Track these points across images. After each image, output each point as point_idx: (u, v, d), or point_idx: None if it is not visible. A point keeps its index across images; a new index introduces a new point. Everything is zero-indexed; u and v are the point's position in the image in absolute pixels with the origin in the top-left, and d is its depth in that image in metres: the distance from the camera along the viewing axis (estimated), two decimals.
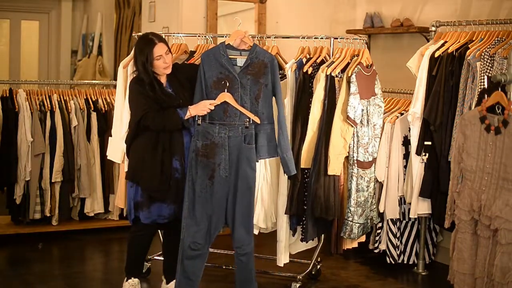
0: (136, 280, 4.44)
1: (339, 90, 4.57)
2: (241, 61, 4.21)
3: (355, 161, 4.60)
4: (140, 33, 5.24)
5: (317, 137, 4.55)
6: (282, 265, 4.71)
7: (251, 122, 4.14)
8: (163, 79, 4.27)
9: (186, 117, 4.13)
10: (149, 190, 4.20)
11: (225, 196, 4.15)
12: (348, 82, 4.53)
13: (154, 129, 4.15)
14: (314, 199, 4.51)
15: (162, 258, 4.60)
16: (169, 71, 4.25)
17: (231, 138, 4.12)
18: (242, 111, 4.15)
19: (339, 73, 4.60)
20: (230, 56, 4.22)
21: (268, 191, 4.69)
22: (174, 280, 4.40)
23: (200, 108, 4.14)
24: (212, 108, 4.13)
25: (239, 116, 4.15)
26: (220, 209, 4.16)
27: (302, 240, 4.67)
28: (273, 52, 4.79)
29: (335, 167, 4.50)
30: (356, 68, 4.53)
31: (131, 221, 4.32)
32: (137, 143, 4.24)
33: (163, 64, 4.19)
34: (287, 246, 4.72)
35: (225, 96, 4.15)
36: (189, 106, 4.15)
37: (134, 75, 4.32)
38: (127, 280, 4.43)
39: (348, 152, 4.58)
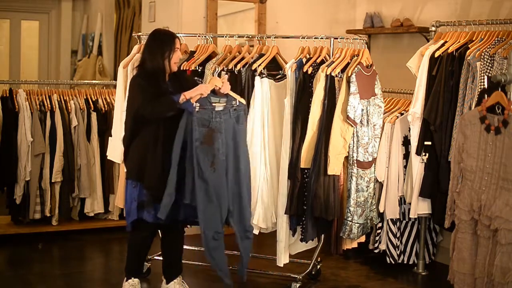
0: (136, 280, 4.44)
1: (339, 90, 4.57)
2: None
3: (355, 161, 4.60)
4: (140, 33, 5.25)
5: (317, 137, 4.55)
6: (282, 265, 4.71)
7: (238, 103, 4.23)
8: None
9: (180, 100, 4.09)
10: (151, 189, 4.18)
11: (225, 179, 4.18)
12: (348, 82, 4.53)
13: (150, 117, 4.09)
14: (314, 199, 4.51)
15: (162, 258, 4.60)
16: (176, 68, 4.30)
17: (226, 121, 4.18)
18: (230, 93, 4.22)
19: (339, 73, 4.60)
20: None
21: (268, 191, 4.69)
22: (174, 280, 4.41)
23: (196, 92, 4.12)
24: (205, 95, 4.13)
25: (229, 100, 4.22)
26: (225, 194, 4.18)
27: (302, 240, 4.68)
28: (273, 52, 4.83)
29: (334, 167, 4.50)
30: (356, 68, 4.53)
31: (130, 222, 4.28)
32: (137, 142, 4.23)
33: (176, 57, 4.25)
34: (287, 246, 4.72)
35: (216, 81, 4.20)
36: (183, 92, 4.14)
37: (135, 72, 4.32)
38: (127, 280, 4.43)
39: (348, 152, 4.58)
